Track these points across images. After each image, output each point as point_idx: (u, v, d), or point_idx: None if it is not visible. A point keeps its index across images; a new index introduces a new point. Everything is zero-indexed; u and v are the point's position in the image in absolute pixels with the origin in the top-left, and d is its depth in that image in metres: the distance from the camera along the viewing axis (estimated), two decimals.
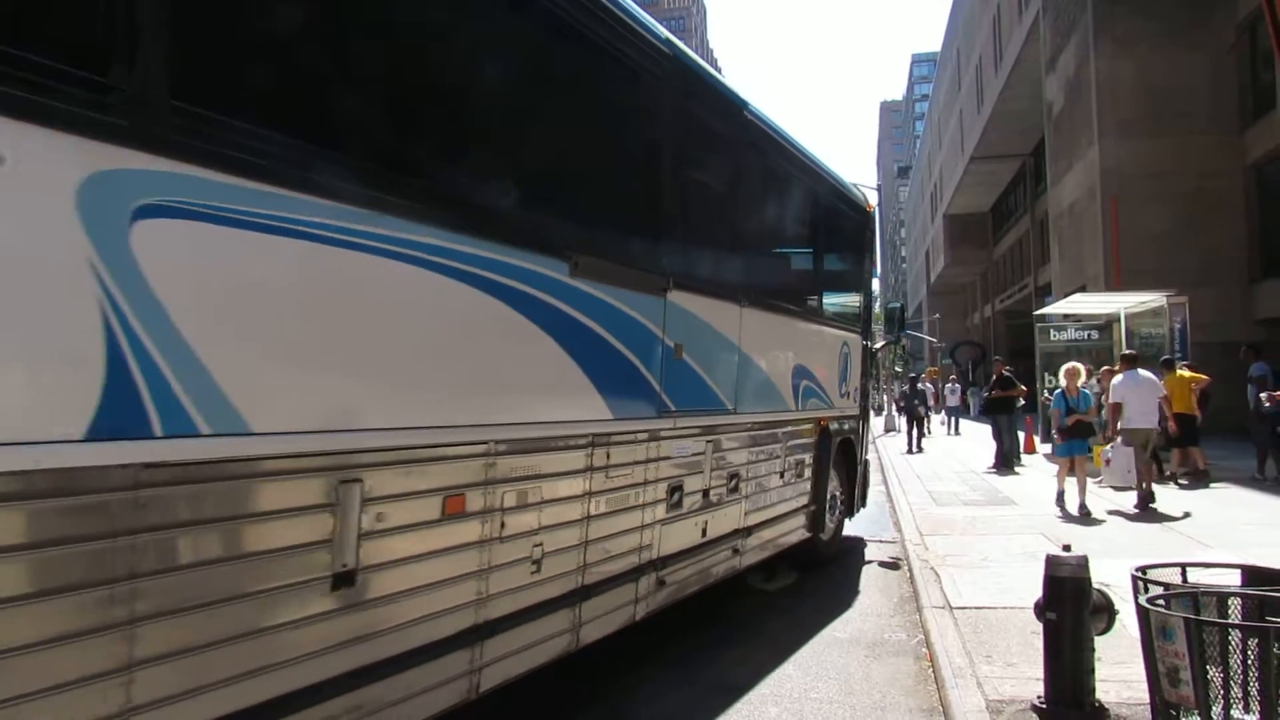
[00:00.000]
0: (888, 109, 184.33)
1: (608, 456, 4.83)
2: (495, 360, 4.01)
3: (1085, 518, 10.87)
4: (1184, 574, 4.20)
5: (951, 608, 6.71)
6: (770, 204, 7.32)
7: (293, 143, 3.01)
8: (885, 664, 5.91)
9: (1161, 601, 3.85)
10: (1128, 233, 24.12)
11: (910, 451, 22.19)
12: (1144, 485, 11.55)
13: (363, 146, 3.38)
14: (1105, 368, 15.70)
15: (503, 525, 4.02)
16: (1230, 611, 3.83)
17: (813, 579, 8.22)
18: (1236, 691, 3.52)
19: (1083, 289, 25.14)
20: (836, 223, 9.20)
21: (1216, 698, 3.53)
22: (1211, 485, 13.79)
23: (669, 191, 5.61)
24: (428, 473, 3.59)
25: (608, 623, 5.00)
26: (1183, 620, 3.63)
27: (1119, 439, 11.89)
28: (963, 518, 11.26)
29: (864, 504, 10.53)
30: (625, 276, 4.93)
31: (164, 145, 2.54)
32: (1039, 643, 4.63)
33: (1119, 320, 19.61)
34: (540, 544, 4.28)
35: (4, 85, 2.16)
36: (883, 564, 9.33)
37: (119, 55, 2.46)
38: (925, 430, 22.96)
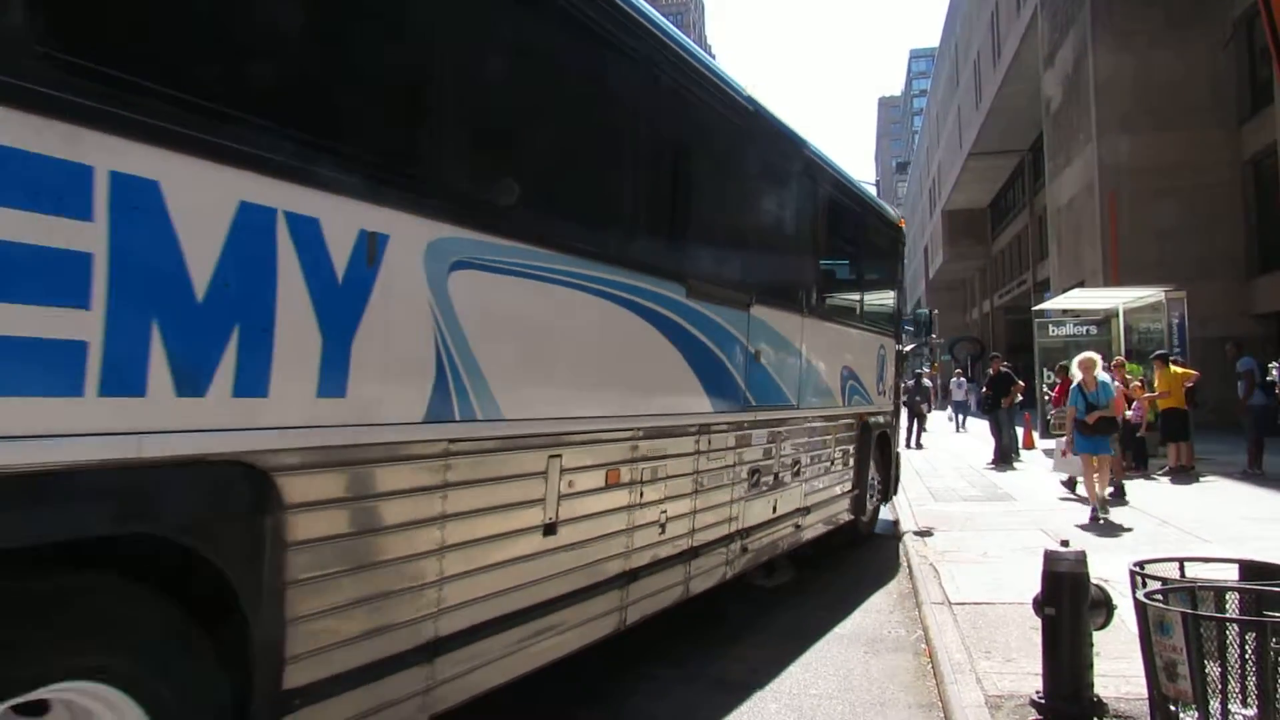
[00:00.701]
0: (886, 104, 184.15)
1: (709, 443, 5.81)
2: (639, 364, 5.05)
3: (1096, 522, 10.10)
4: (1182, 569, 4.21)
5: (950, 603, 6.73)
6: (824, 226, 8.28)
7: (540, 219, 4.22)
8: (884, 660, 5.92)
9: (1159, 596, 3.86)
10: (1126, 228, 24.19)
11: (909, 447, 22.19)
12: (1113, 476, 12.11)
13: (580, 224, 4.64)
14: (1118, 358, 15.30)
15: (641, 495, 5.02)
16: (1228, 606, 3.84)
17: (812, 576, 8.24)
18: (1234, 686, 3.53)
19: (1081, 284, 25.19)
20: (875, 238, 10.22)
21: (1214, 692, 3.54)
22: (1201, 479, 13.81)
23: (751, 222, 6.78)
24: (597, 451, 4.61)
25: (708, 579, 5.98)
26: (1180, 615, 3.64)
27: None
28: (961, 513, 11.28)
29: (896, 491, 11.25)
30: (722, 295, 5.96)
31: (468, 222, 3.64)
32: (1038, 638, 4.63)
33: (1118, 315, 19.66)
34: (665, 511, 5.30)
35: (389, 196, 3.26)
36: (916, 533, 10.00)
37: (467, 177, 3.76)
38: (924, 426, 22.97)
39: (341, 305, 2.99)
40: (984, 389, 18.42)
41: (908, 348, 12.63)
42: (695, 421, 5.63)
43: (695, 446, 5.64)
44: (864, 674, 5.64)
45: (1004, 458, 17.05)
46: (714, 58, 5.91)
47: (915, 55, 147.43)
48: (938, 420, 28.67)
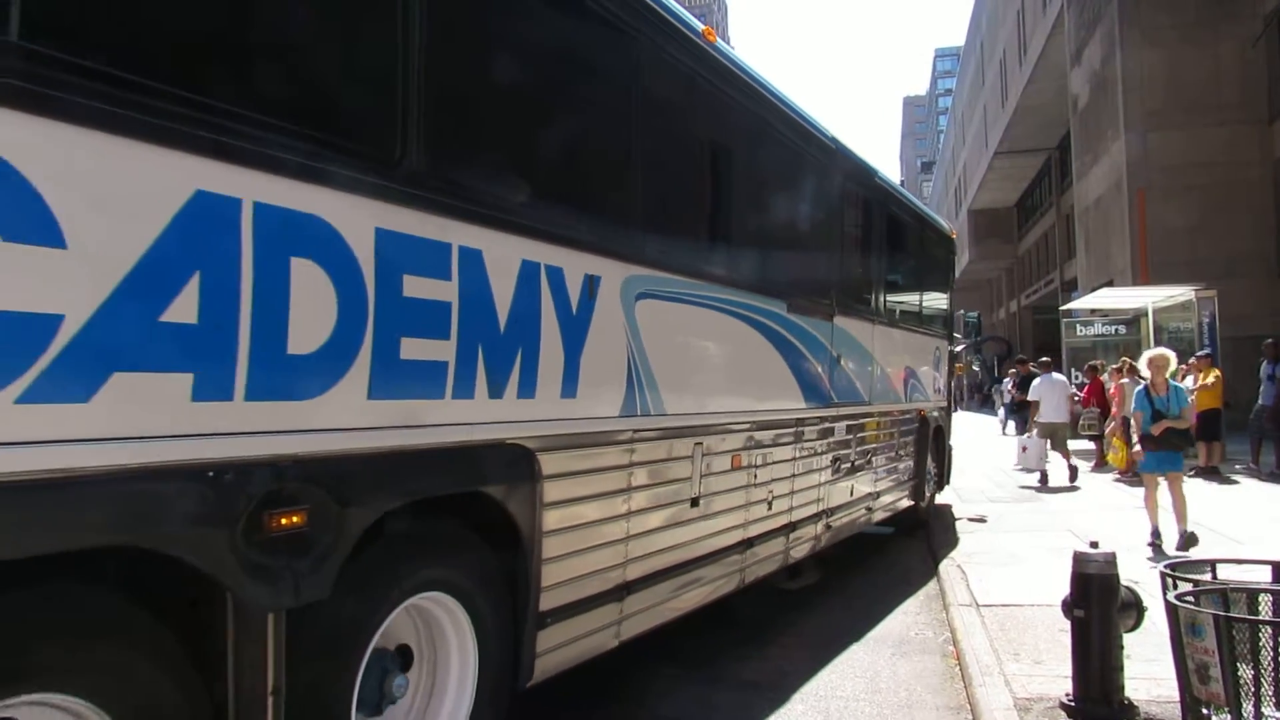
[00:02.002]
0: (910, 104, 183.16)
1: (803, 435, 6.87)
2: (754, 369, 6.16)
3: (1187, 547, 8.22)
4: (1213, 570, 4.17)
5: (978, 605, 6.71)
6: (890, 242, 9.35)
7: (693, 257, 5.43)
8: (912, 662, 5.91)
9: (1190, 598, 3.83)
10: (1155, 226, 23.72)
11: None
12: (1068, 462, 14.33)
13: (717, 257, 5.82)
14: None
15: (755, 476, 6.08)
16: (1261, 608, 3.80)
17: (838, 578, 8.22)
18: (1268, 688, 3.51)
19: (1110, 283, 24.93)
20: (932, 250, 11.36)
21: (1247, 695, 3.52)
22: (1230, 480, 13.79)
23: (834, 242, 7.77)
24: (725, 440, 5.65)
25: (800, 550, 7.13)
26: (1212, 617, 3.61)
27: (1034, 430, 14.67)
28: (989, 514, 11.22)
29: (948, 481, 12.29)
30: (814, 309, 7.07)
31: (648, 263, 4.77)
32: (1067, 640, 4.63)
33: (1147, 315, 19.44)
34: (771, 490, 6.36)
35: (603, 248, 4.41)
36: (970, 519, 10.92)
37: (650, 229, 4.87)
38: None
39: (575, 330, 4.12)
40: (1012, 390, 18.26)
41: (958, 348, 13.60)
42: (793, 416, 6.70)
43: (793, 438, 6.69)
44: (891, 676, 5.63)
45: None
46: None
47: (940, 54, 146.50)
48: (978, 421, 28.44)
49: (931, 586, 7.96)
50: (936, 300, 11.62)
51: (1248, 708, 3.52)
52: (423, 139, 3.21)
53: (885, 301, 9.07)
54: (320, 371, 2.84)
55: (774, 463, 6.35)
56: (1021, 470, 14.59)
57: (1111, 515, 10.92)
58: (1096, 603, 4.38)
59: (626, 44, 4.59)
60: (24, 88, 2.07)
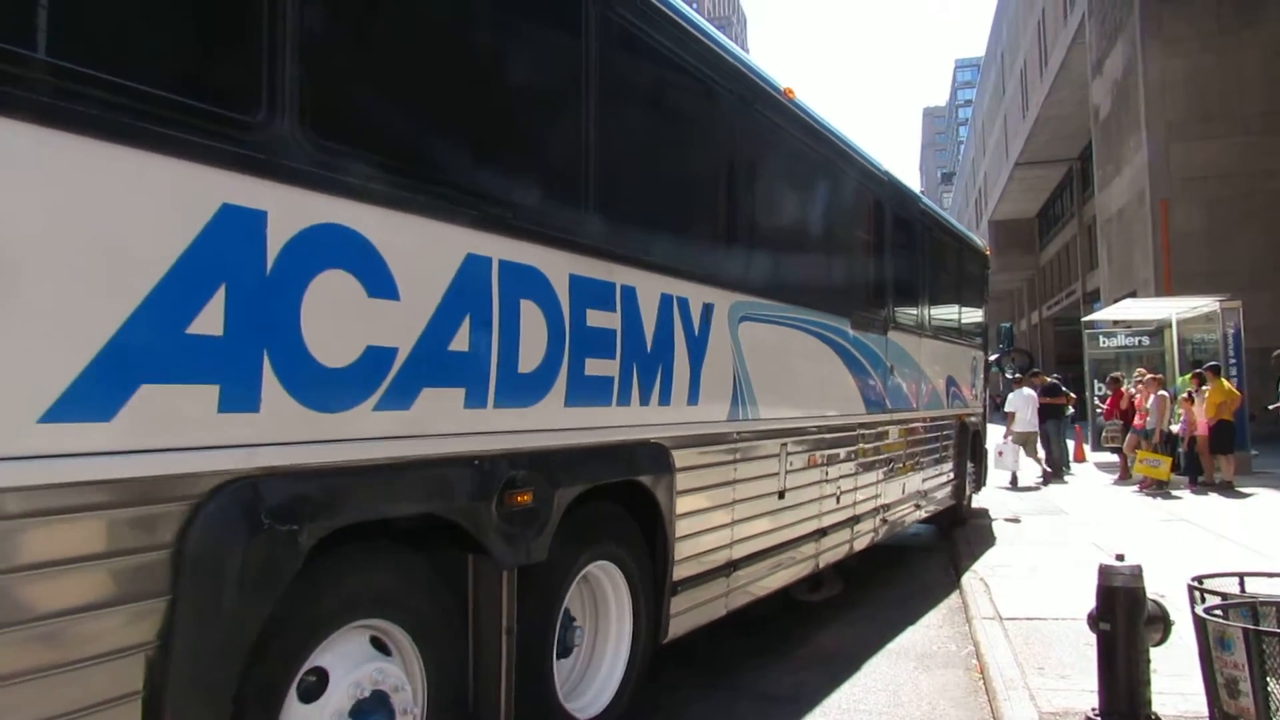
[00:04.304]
0: (930, 114, 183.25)
1: (863, 437, 7.72)
2: (824, 378, 7.00)
3: None
4: (1242, 583, 4.13)
5: (1001, 618, 6.67)
6: (933, 262, 10.27)
7: (780, 284, 6.23)
8: (935, 676, 5.87)
9: (1219, 612, 3.78)
10: (1179, 236, 23.62)
11: None
12: (1041, 466, 16.41)
13: (796, 282, 6.63)
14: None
15: (826, 474, 6.94)
16: None
17: (859, 590, 8.18)
18: None
19: (1133, 294, 24.77)
20: (969, 267, 12.30)
21: (1277, 709, 3.46)
22: (1252, 492, 13.86)
23: (887, 263, 8.60)
24: (803, 441, 6.50)
25: (861, 541, 7.92)
26: (1241, 631, 3.57)
27: (1009, 438, 16.23)
28: (1012, 527, 11.13)
29: (984, 482, 13.28)
30: (872, 325, 7.96)
31: (748, 291, 5.69)
32: (1092, 654, 4.58)
33: (1171, 326, 19.33)
34: (839, 487, 7.20)
35: (717, 281, 5.34)
36: (1006, 520, 11.80)
37: (750, 264, 5.84)
38: None
39: (697, 348, 5.03)
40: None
41: (993, 357, 14.66)
42: (856, 421, 7.56)
43: (856, 440, 7.54)
44: (914, 690, 5.59)
45: (1055, 471, 16.80)
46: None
47: (960, 65, 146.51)
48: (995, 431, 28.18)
49: (954, 599, 7.91)
50: (973, 313, 12.57)
51: None
52: (601, 205, 4.22)
53: (930, 316, 9.98)
54: (538, 385, 3.78)
55: (841, 462, 7.23)
56: (998, 469, 15.81)
57: (1134, 527, 10.85)
58: (1123, 616, 4.35)
59: (741, 114, 5.68)
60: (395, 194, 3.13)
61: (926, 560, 9.98)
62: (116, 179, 2.26)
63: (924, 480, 9.72)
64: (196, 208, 2.43)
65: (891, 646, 6.55)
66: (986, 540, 10.39)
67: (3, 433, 2.04)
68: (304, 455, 2.74)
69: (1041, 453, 17.09)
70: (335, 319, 2.84)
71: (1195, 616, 3.88)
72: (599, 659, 4.52)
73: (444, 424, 3.29)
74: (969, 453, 11.88)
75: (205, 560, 2.44)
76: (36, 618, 2.11)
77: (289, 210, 2.68)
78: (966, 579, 8.23)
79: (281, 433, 2.66)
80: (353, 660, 3.04)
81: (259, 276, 2.59)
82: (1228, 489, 14.20)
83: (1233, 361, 16.76)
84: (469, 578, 3.63)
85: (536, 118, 4.02)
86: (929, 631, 7.00)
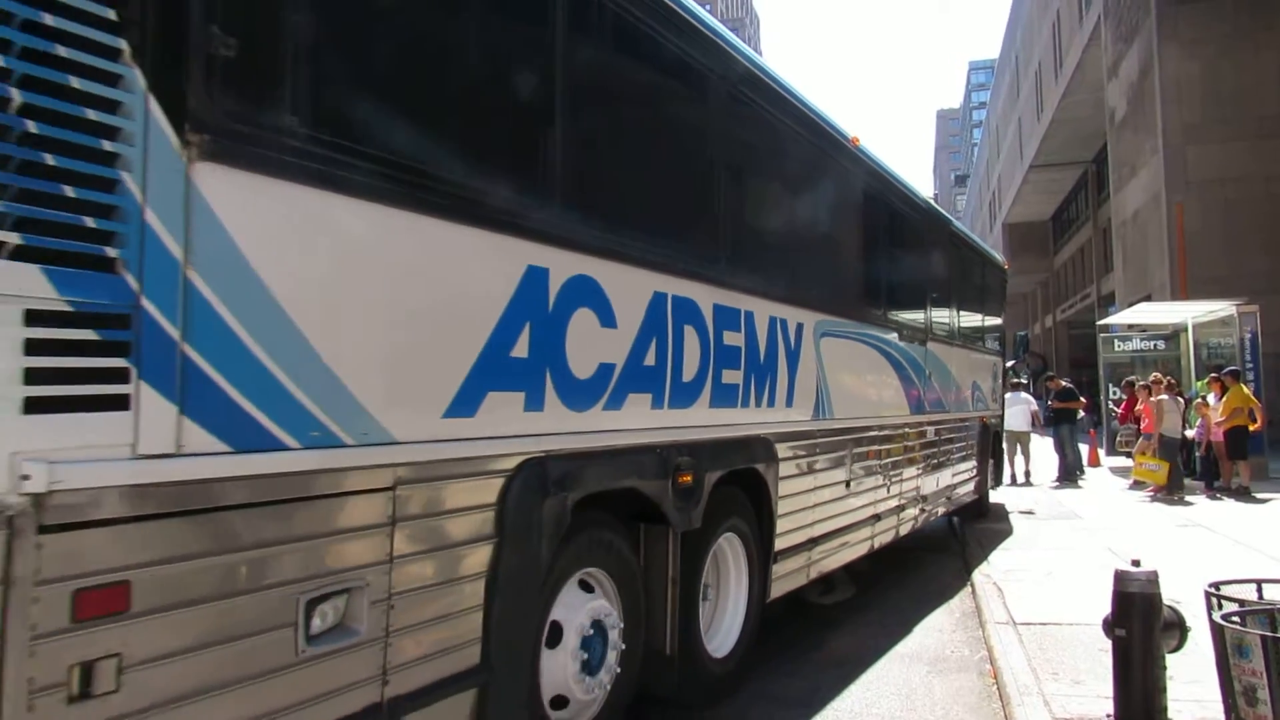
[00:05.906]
0: (944, 117, 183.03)
1: (907, 435, 8.89)
2: (879, 384, 8.16)
3: None
4: (1260, 590, 4.09)
5: (1015, 623, 6.65)
6: (960, 277, 11.55)
7: (849, 303, 7.46)
8: (948, 680, 5.86)
9: (1236, 618, 3.75)
10: (1194, 240, 23.56)
11: None
12: (1024, 467, 17.38)
13: (863, 301, 7.87)
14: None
15: (879, 467, 8.05)
16: None
17: (872, 593, 8.17)
18: None
19: (1148, 298, 24.79)
20: (990, 280, 13.56)
21: None
22: (1258, 497, 13.93)
23: (926, 280, 9.98)
24: (863, 439, 7.58)
25: (906, 527, 9.05)
26: (1259, 638, 3.54)
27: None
28: (1025, 531, 11.09)
29: (1001, 480, 14.54)
30: (914, 336, 9.17)
31: (828, 311, 6.85)
32: (1107, 660, 4.58)
33: (1186, 330, 19.25)
34: (889, 478, 8.32)
35: (808, 305, 6.54)
36: (1021, 513, 12.96)
37: (832, 290, 7.39)
38: None
39: (792, 360, 6.15)
40: (1049, 405, 18.11)
41: (1010, 363, 15.84)
42: (901, 420, 8.71)
43: (901, 437, 8.69)
44: (927, 694, 5.57)
45: (1069, 475, 16.77)
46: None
47: (974, 67, 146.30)
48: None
49: (967, 603, 7.91)
50: (993, 323, 13.85)
51: None
52: (733, 252, 5.40)
53: (959, 326, 11.21)
54: (694, 391, 4.93)
55: (889, 457, 8.33)
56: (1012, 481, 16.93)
57: (1150, 532, 10.84)
58: (1138, 622, 4.34)
59: (821, 166, 6.95)
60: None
61: (938, 563, 9.99)
62: (483, 256, 3.45)
63: (953, 475, 10.91)
64: (516, 267, 3.61)
65: (904, 650, 6.57)
66: (998, 542, 10.56)
67: (428, 425, 3.19)
68: (568, 443, 3.90)
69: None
70: (583, 343, 3.99)
71: (1213, 623, 3.87)
72: (721, 614, 5.62)
73: (640, 420, 4.46)
74: (990, 451, 13.12)
75: (518, 515, 3.58)
76: (442, 546, 3.28)
77: (560, 266, 3.84)
78: (979, 583, 8.26)
79: (556, 426, 3.83)
80: (578, 600, 4.17)
81: (545, 313, 3.76)
82: (1244, 494, 14.26)
83: (1250, 366, 16.67)
84: (640, 542, 4.79)
85: (698, 187, 5.26)
86: (942, 635, 7.00)
